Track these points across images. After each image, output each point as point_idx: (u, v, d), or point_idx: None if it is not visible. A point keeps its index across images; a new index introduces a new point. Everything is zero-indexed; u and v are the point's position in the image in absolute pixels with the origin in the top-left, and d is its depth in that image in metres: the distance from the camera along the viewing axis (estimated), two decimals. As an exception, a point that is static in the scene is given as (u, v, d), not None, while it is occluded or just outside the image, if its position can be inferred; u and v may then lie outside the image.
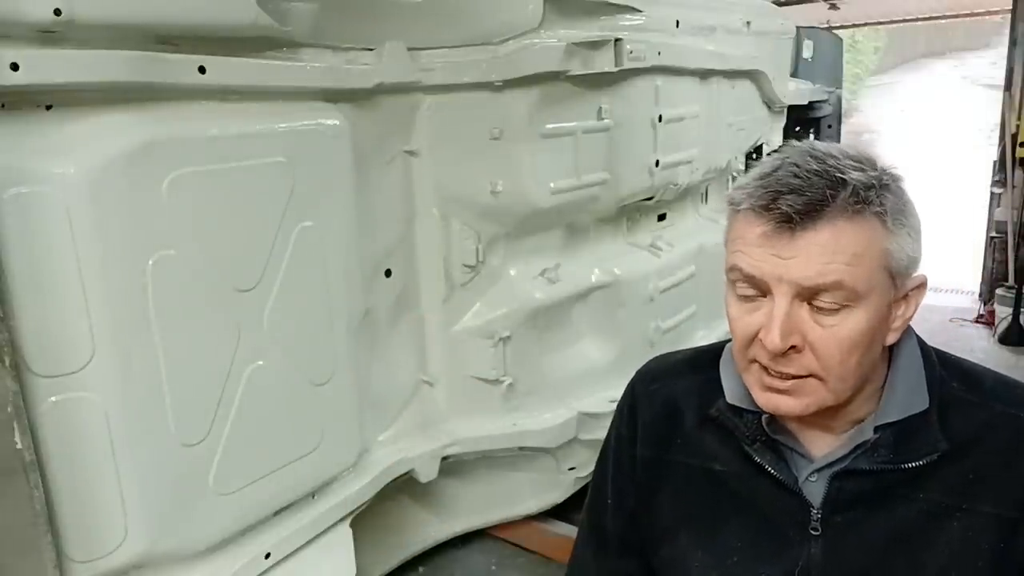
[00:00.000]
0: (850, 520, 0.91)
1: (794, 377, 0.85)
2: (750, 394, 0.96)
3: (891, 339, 0.88)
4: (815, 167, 0.82)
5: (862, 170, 0.82)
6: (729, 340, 1.03)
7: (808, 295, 0.82)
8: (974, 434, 0.89)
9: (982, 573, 0.87)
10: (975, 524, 0.87)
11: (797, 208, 0.80)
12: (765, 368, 0.86)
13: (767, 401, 0.88)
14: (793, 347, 0.83)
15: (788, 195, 0.81)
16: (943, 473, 0.89)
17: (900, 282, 0.85)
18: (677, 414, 1.04)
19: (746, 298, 0.86)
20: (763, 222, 0.82)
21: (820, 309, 0.82)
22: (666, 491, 1.03)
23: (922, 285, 0.88)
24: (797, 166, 0.83)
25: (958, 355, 0.99)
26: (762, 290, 0.85)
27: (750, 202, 0.83)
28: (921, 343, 0.95)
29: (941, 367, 0.94)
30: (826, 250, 0.80)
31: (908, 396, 0.90)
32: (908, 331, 0.93)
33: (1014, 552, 0.87)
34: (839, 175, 0.81)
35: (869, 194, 0.81)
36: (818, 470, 0.92)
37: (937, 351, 0.96)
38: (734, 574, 0.97)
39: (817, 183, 0.81)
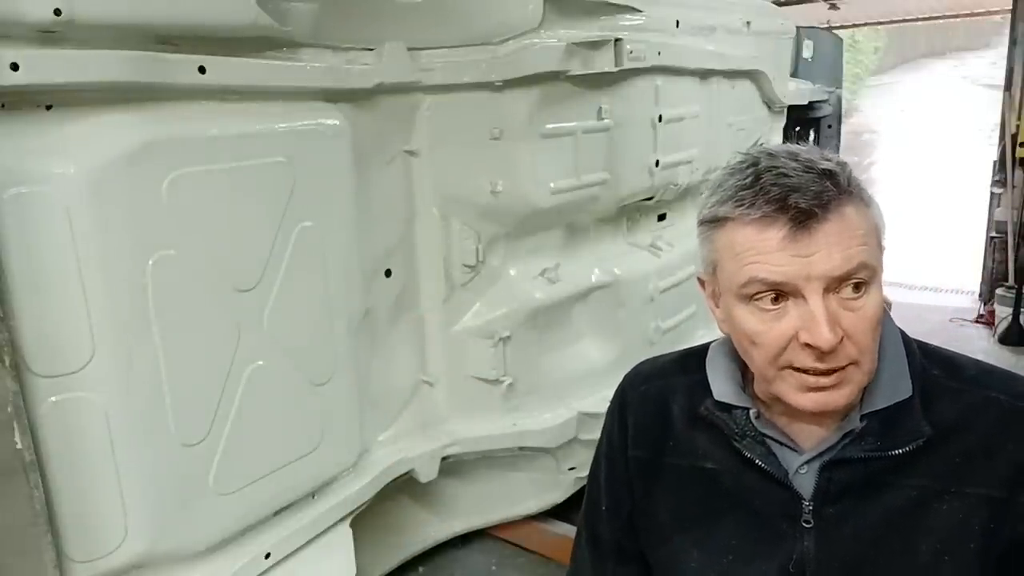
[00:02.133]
0: (841, 511, 0.92)
1: (838, 370, 0.85)
2: (737, 391, 0.97)
3: None
4: (794, 164, 0.84)
5: (827, 159, 0.85)
6: (713, 340, 1.04)
7: (835, 285, 0.83)
8: (957, 419, 0.91)
9: (974, 554, 0.88)
10: (965, 507, 0.88)
11: (811, 203, 0.81)
12: (801, 371, 0.86)
13: (812, 401, 0.87)
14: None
15: (795, 193, 0.81)
16: (930, 459, 0.90)
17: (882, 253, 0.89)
18: (667, 415, 1.04)
19: (767, 309, 0.86)
20: (779, 226, 0.82)
21: (847, 295, 0.83)
22: (661, 493, 1.04)
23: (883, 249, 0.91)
24: (779, 167, 0.84)
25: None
26: (786, 294, 0.84)
27: (756, 211, 0.83)
28: (902, 333, 0.96)
29: (922, 356, 0.95)
30: (843, 237, 0.82)
31: (892, 384, 0.91)
32: (890, 322, 0.94)
33: (1003, 531, 0.88)
34: (820, 166, 0.84)
35: (849, 177, 0.85)
36: (808, 462, 0.93)
37: (917, 341, 0.97)
38: (730, 572, 0.97)
39: (809, 177, 0.82)
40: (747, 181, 0.85)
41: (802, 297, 0.83)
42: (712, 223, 0.89)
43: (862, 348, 0.84)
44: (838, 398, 0.86)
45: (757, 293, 0.85)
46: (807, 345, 0.83)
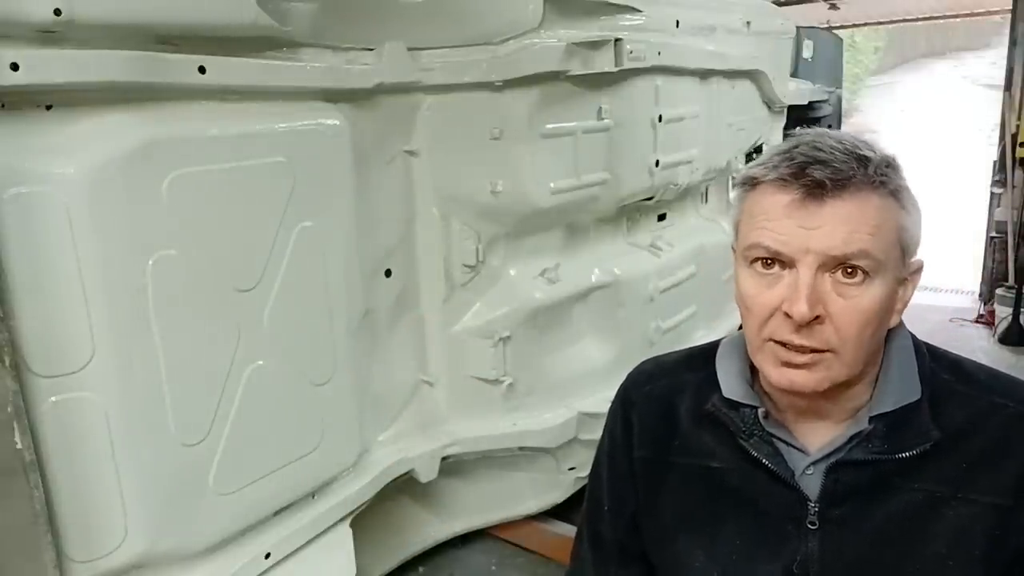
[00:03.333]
0: (847, 513, 0.91)
1: (813, 351, 0.85)
2: (746, 388, 0.97)
3: (893, 321, 0.90)
4: (834, 144, 0.85)
5: (873, 150, 0.85)
6: (723, 337, 1.04)
7: (832, 265, 0.83)
8: (966, 424, 0.90)
9: (978, 561, 0.88)
10: (970, 513, 0.88)
11: (827, 176, 0.82)
12: (782, 345, 0.86)
13: (782, 376, 0.87)
14: (816, 318, 0.83)
15: (816, 165, 0.83)
16: (937, 463, 0.90)
17: (907, 261, 0.88)
18: (673, 414, 1.04)
19: (764, 274, 0.87)
20: (791, 191, 0.83)
21: (842, 280, 0.84)
22: (666, 492, 1.03)
23: (920, 269, 0.91)
24: (818, 142, 0.85)
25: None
26: (784, 263, 0.85)
27: (776, 173, 0.85)
28: (912, 336, 0.96)
29: (931, 359, 0.95)
30: (851, 220, 0.82)
31: (901, 387, 0.91)
32: (900, 325, 0.94)
33: (1008, 539, 0.88)
34: (859, 152, 0.84)
35: (887, 171, 0.85)
36: (814, 463, 0.93)
37: (927, 344, 0.97)
38: (734, 573, 0.97)
39: (841, 157, 0.83)
40: (784, 148, 0.87)
41: (796, 268, 0.84)
42: (743, 185, 0.90)
43: (844, 337, 0.84)
44: (808, 379, 0.86)
45: (757, 258, 0.87)
46: (787, 316, 0.84)
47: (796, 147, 0.86)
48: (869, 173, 0.83)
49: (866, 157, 0.84)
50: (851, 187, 0.82)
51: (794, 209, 0.83)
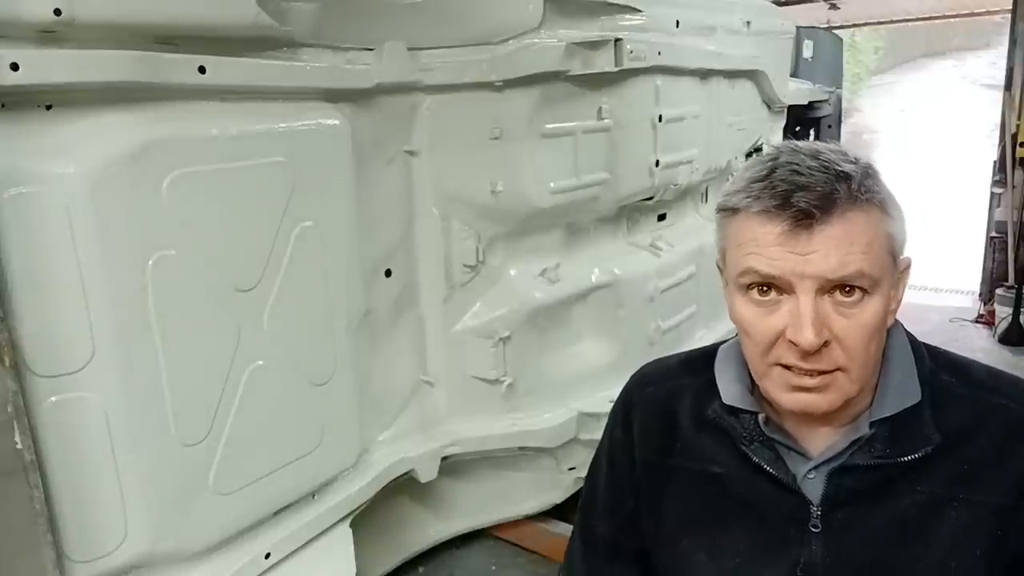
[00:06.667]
0: (850, 516, 0.91)
1: (822, 373, 0.84)
2: (745, 394, 0.96)
3: (890, 321, 0.90)
4: (812, 163, 0.83)
5: (851, 162, 0.84)
6: (722, 342, 1.03)
7: (830, 287, 0.82)
8: (966, 425, 0.90)
9: (980, 562, 0.88)
10: (972, 514, 0.88)
11: (813, 203, 0.80)
12: (788, 368, 0.86)
13: (795, 402, 0.87)
14: (824, 342, 0.83)
15: (800, 192, 0.81)
16: (939, 465, 0.89)
17: (896, 263, 0.87)
18: (674, 418, 1.04)
19: (761, 301, 0.86)
20: (779, 222, 0.82)
21: (842, 299, 0.83)
22: (668, 496, 1.03)
23: (908, 267, 0.90)
24: (795, 164, 0.83)
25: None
26: (780, 289, 0.84)
27: (759, 204, 0.83)
28: (910, 337, 0.96)
29: (931, 360, 0.95)
30: (843, 242, 0.81)
31: (901, 390, 0.91)
32: (898, 326, 0.94)
33: (1009, 539, 0.88)
34: (838, 168, 0.82)
35: (868, 183, 0.83)
36: (816, 467, 0.93)
37: (926, 345, 0.97)
38: None
39: (821, 178, 0.82)
40: (761, 174, 0.84)
41: (795, 294, 0.83)
42: (723, 211, 0.89)
43: (852, 355, 0.84)
44: (821, 402, 0.86)
45: (752, 284, 0.86)
46: (792, 343, 0.83)
47: (774, 171, 0.83)
48: (853, 190, 0.81)
49: (846, 173, 0.82)
50: (838, 209, 0.81)
51: (784, 238, 0.82)
